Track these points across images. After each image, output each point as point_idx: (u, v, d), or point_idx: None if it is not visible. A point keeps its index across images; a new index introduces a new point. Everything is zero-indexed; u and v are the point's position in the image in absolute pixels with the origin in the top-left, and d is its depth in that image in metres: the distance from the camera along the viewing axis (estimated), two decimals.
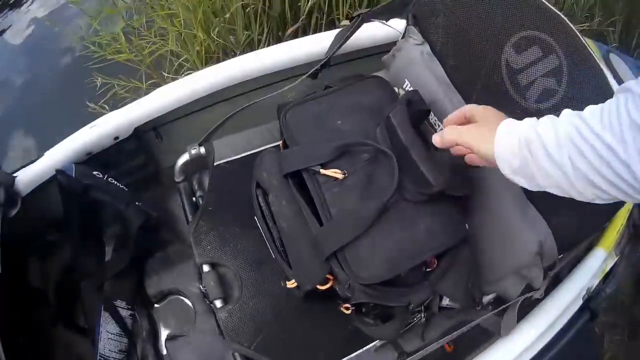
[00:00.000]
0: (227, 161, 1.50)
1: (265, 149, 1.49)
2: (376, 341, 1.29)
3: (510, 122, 0.81)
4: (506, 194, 1.14)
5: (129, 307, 1.66)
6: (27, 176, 1.66)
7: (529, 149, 0.72)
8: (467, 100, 1.25)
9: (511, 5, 1.07)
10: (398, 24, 1.51)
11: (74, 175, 1.61)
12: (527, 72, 1.06)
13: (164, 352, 1.66)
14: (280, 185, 1.23)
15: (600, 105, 0.68)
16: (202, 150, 1.54)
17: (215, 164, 1.50)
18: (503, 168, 0.80)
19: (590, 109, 0.69)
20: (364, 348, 1.29)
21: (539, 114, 0.79)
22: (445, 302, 1.15)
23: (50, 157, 1.68)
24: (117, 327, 1.62)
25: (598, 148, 0.63)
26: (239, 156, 1.51)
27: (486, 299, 1.29)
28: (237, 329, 1.32)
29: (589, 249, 1.51)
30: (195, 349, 1.60)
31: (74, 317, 1.80)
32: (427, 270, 1.08)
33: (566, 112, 0.72)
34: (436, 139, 0.95)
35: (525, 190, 1.11)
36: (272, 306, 1.35)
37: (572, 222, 1.09)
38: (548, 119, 0.74)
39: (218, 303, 1.39)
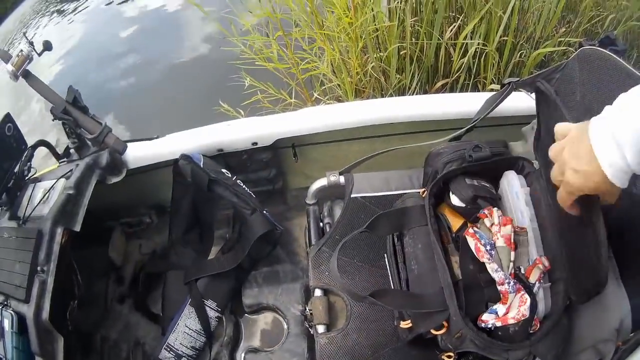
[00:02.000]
0: (364, 196, 1.74)
1: (404, 193, 1.71)
2: None
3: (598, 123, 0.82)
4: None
5: (219, 309, 1.90)
6: (142, 151, 1.91)
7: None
8: None
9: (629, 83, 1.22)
10: None
11: (201, 165, 1.84)
12: None
13: None
14: (420, 229, 1.48)
15: None
16: (342, 179, 1.78)
17: (352, 195, 1.73)
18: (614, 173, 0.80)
19: None
20: None
21: None
22: None
23: (173, 141, 1.94)
24: (199, 325, 1.86)
25: None
26: (375, 194, 1.75)
27: None
28: (332, 357, 1.53)
29: None
30: None
31: (147, 302, 2.09)
32: (531, 331, 1.28)
33: None
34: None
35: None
36: (373, 344, 1.55)
37: None
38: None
39: (320, 328, 1.60)
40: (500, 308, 1.29)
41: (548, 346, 1.22)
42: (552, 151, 0.95)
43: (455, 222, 1.49)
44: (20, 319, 1.44)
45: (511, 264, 1.34)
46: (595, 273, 1.17)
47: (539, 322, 1.31)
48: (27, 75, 1.64)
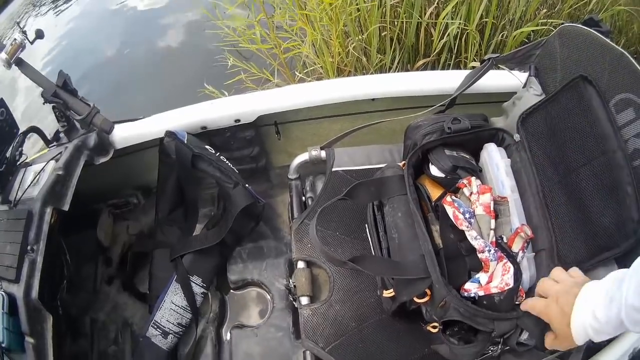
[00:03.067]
0: (345, 170, 1.76)
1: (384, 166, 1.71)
2: None
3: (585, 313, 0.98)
4: None
5: (204, 285, 1.91)
6: (127, 131, 1.92)
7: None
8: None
9: (614, 68, 1.29)
10: (520, 75, 1.74)
11: (185, 141, 1.85)
12: (622, 132, 1.26)
13: (226, 337, 1.91)
14: (400, 198, 1.49)
15: None
16: (323, 154, 1.80)
17: (333, 169, 1.75)
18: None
19: None
20: None
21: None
22: (524, 337, 1.29)
23: (158, 121, 1.95)
24: (185, 301, 1.86)
25: None
26: (357, 168, 1.77)
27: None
28: (316, 329, 1.53)
29: None
30: (261, 342, 1.85)
31: (134, 282, 2.11)
32: (517, 302, 1.28)
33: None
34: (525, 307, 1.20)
35: None
36: (357, 315, 1.56)
37: None
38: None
39: (304, 300, 1.61)
40: (482, 276, 1.31)
41: (535, 320, 1.21)
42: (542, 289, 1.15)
43: (435, 193, 1.51)
44: (11, 301, 1.45)
45: (492, 232, 1.36)
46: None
47: (524, 294, 1.33)
48: (20, 63, 1.66)
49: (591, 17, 1.42)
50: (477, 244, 1.30)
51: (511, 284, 1.26)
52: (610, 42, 1.31)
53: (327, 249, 1.43)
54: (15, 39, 1.65)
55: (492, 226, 1.36)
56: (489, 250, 1.30)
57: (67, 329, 1.92)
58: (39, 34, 1.69)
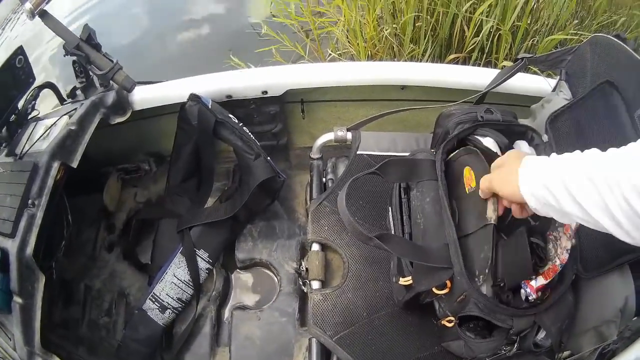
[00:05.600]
0: (370, 154, 1.69)
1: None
2: None
3: (530, 163, 0.98)
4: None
5: (210, 261, 1.84)
6: (148, 93, 1.85)
7: (551, 192, 0.88)
8: None
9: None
10: (549, 81, 1.72)
11: (209, 106, 1.78)
12: None
13: (226, 318, 1.84)
14: (430, 183, 1.41)
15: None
16: (349, 135, 1.73)
17: (357, 152, 1.68)
18: (531, 205, 0.96)
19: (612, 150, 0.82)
20: None
21: None
22: (540, 336, 1.26)
23: (182, 85, 1.87)
24: (188, 275, 1.79)
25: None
26: (382, 153, 1.69)
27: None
28: (325, 315, 1.46)
29: None
30: (263, 326, 1.77)
31: (136, 251, 2.02)
32: (538, 301, 1.22)
33: (590, 152, 0.87)
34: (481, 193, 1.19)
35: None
36: (369, 305, 1.49)
37: None
38: (569, 159, 0.89)
39: (315, 284, 1.55)
40: (539, 280, 1.23)
41: (552, 318, 1.18)
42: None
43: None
44: (3, 256, 1.36)
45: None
46: None
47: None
48: (44, 15, 1.59)
49: (618, 34, 1.40)
50: (565, 256, 1.23)
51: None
52: (636, 55, 1.29)
53: (346, 234, 1.34)
54: None
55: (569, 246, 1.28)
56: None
57: (60, 294, 1.84)
58: None
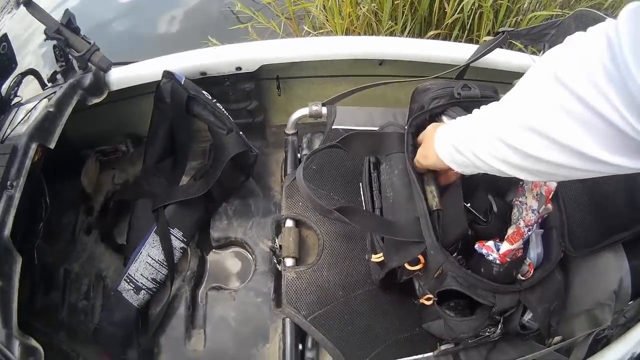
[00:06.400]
0: (345, 129, 1.64)
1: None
2: (436, 350, 1.37)
3: (441, 132, 1.06)
4: None
5: (184, 239, 1.80)
6: (124, 72, 1.82)
7: (462, 154, 0.94)
8: None
9: None
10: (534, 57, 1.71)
11: (182, 83, 1.75)
12: None
13: (201, 299, 1.80)
14: (398, 156, 1.36)
15: None
16: (324, 110, 1.69)
17: (333, 127, 1.64)
18: (455, 169, 1.03)
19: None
20: (424, 355, 1.38)
21: None
22: (526, 318, 1.24)
23: (156, 63, 1.84)
24: (162, 255, 1.76)
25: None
26: (357, 128, 1.65)
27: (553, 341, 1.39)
28: (299, 294, 1.43)
29: None
30: (238, 306, 1.74)
31: (113, 233, 1.99)
32: (522, 278, 1.20)
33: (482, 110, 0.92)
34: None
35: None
36: (345, 283, 1.45)
37: None
38: (467, 119, 0.97)
39: (289, 261, 1.51)
40: (505, 245, 1.19)
41: (538, 298, 1.16)
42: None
43: None
44: None
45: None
46: None
47: (533, 268, 1.22)
48: (28, 3, 1.61)
49: (606, 14, 1.37)
50: (531, 217, 1.20)
51: (520, 255, 1.18)
52: None
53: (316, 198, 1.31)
54: None
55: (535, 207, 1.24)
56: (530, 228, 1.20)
57: (41, 279, 1.81)
58: None
